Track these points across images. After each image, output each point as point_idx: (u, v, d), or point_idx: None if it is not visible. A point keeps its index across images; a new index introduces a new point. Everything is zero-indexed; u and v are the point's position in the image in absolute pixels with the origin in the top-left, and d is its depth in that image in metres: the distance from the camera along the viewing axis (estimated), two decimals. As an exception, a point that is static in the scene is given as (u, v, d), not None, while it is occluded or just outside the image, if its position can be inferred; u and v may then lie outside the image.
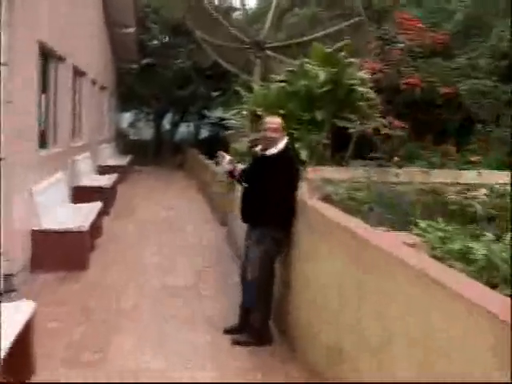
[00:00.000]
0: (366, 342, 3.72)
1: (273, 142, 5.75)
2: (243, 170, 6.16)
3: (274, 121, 5.89)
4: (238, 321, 6.07)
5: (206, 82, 26.63)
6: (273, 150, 5.73)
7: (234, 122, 11.01)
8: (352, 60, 9.64)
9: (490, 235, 4.77)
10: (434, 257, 3.73)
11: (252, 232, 5.88)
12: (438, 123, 16.55)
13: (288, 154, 5.90)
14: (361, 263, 3.87)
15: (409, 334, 3.14)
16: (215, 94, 27.77)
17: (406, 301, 3.21)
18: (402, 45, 16.13)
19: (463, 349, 2.58)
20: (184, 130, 31.76)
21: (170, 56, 26.25)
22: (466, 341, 2.56)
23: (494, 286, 3.71)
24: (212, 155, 20.95)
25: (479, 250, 4.10)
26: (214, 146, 25.56)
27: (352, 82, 9.54)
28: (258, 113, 9.29)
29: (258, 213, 5.74)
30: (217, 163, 6.44)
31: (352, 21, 14.63)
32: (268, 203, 5.63)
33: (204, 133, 31.27)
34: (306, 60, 9.73)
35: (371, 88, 10.03)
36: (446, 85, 15.68)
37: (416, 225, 8.38)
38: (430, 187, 10.42)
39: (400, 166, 14.24)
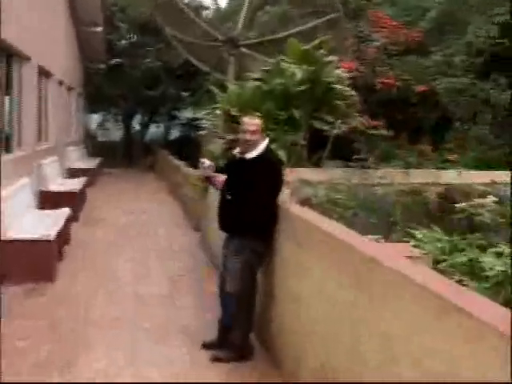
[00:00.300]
0: (363, 363, 3.37)
1: (252, 144, 5.33)
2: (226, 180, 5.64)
3: (253, 122, 5.43)
4: (217, 335, 5.69)
5: (175, 82, 26.21)
6: (253, 153, 5.32)
7: (206, 122, 10.60)
8: (330, 57, 9.31)
9: (505, 248, 4.25)
10: (439, 271, 3.39)
11: (230, 241, 5.47)
12: (413, 122, 16.37)
13: (269, 157, 5.47)
14: (354, 277, 3.51)
15: (412, 354, 2.80)
16: (185, 94, 27.34)
17: (409, 320, 2.86)
18: (378, 43, 15.92)
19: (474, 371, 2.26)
20: (154, 130, 31.30)
21: (138, 56, 25.79)
22: (477, 362, 2.24)
23: None
24: (182, 156, 20.77)
25: (493, 264, 3.71)
26: (184, 146, 25.40)
27: (330, 80, 9.21)
28: (233, 113, 8.91)
29: (236, 221, 5.31)
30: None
31: (329, 17, 14.30)
32: (248, 211, 5.21)
33: (174, 134, 30.81)
34: (282, 58, 9.37)
35: (348, 86, 9.72)
36: (421, 83, 15.49)
37: (408, 233, 8.05)
38: (411, 188, 10.16)
39: (375, 166, 14.00)
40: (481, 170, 12.30)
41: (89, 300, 7.01)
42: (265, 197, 5.22)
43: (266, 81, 9.31)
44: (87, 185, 14.81)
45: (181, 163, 16.41)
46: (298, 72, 9.14)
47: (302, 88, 9.10)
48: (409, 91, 15.57)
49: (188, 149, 23.69)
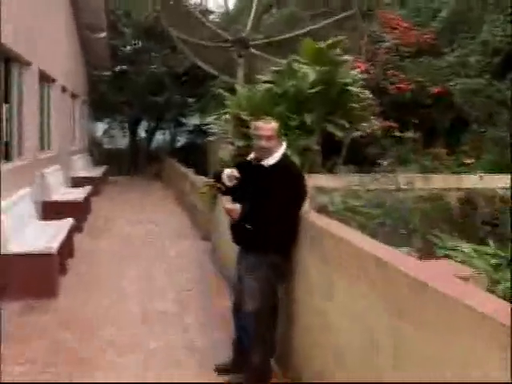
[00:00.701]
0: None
1: (268, 151, 4.83)
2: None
3: (268, 126, 4.88)
4: (231, 357, 5.21)
5: (181, 88, 25.82)
6: (270, 160, 4.82)
7: (215, 127, 10.13)
8: (345, 57, 8.83)
9: None
10: (499, 296, 2.90)
11: (245, 256, 4.96)
12: (427, 124, 15.86)
13: (289, 164, 4.98)
14: (395, 302, 3.03)
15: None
16: (191, 100, 26.96)
17: (467, 354, 2.39)
18: (388, 43, 15.45)
19: None
20: (160, 137, 30.93)
21: (143, 62, 25.42)
22: None
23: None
24: (189, 163, 20.31)
25: None
26: (191, 154, 24.97)
27: (345, 81, 8.74)
28: (243, 117, 8.44)
29: (252, 235, 4.78)
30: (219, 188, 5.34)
31: (344, 14, 13.75)
32: (265, 223, 4.71)
33: (181, 140, 30.41)
34: (295, 58, 8.90)
35: (363, 88, 9.25)
36: (435, 84, 14.99)
37: (431, 241, 7.59)
38: (431, 193, 9.68)
39: (391, 171, 13.50)
40: (499, 173, 11.81)
41: (93, 318, 6.55)
42: (284, 208, 4.70)
43: (277, 83, 8.84)
44: (92, 194, 14.37)
45: (188, 170, 15.96)
46: (311, 73, 8.67)
47: (315, 90, 8.61)
48: (423, 93, 15.07)
49: (195, 156, 23.28)
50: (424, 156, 15.26)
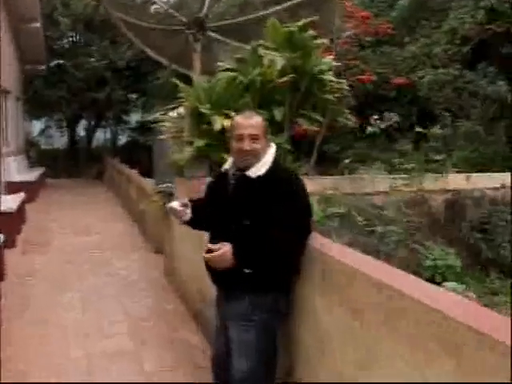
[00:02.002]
0: None
1: (252, 157, 3.56)
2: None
3: (251, 122, 3.59)
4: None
5: (122, 83, 24.39)
6: (258, 169, 3.55)
7: (165, 124, 8.78)
8: (320, 41, 7.62)
9: None
10: None
11: (232, 299, 3.61)
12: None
13: (285, 172, 3.71)
14: (448, 357, 2.01)
15: None
16: (134, 96, 25.58)
17: None
18: (348, 32, 14.35)
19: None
20: (101, 136, 29.51)
21: (81, 55, 23.83)
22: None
23: None
24: (133, 163, 18.95)
25: None
26: (134, 153, 23.61)
27: (319, 69, 7.55)
28: (203, 111, 7.17)
29: (250, 276, 3.45)
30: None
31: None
32: (270, 260, 3.42)
33: (123, 139, 29.03)
34: (260, 43, 7.65)
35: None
36: (399, 75, 14.01)
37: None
38: (416, 197, 8.64)
39: (352, 170, 12.51)
40: (474, 170, 10.89)
41: (23, 367, 5.19)
42: (290, 234, 3.39)
43: (240, 71, 7.58)
44: (27, 201, 12.88)
45: (133, 172, 14.61)
46: (279, 60, 7.43)
47: (284, 79, 7.39)
48: (386, 85, 14.07)
49: (139, 155, 22.01)
50: (388, 152, 14.32)
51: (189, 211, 3.92)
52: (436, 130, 13.67)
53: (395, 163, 13.18)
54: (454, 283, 5.04)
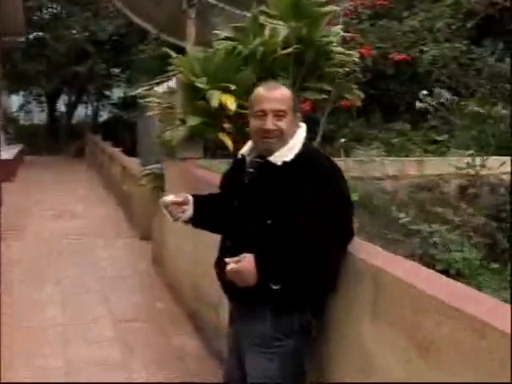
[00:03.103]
0: None
1: (278, 139, 2.79)
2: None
3: (276, 95, 2.82)
4: None
5: (105, 57, 23.49)
6: (285, 154, 2.78)
7: (153, 100, 7.94)
8: (329, 8, 6.83)
9: None
10: None
11: (249, 321, 2.83)
12: (387, 96, 14.18)
13: (315, 158, 2.87)
14: None
15: None
16: (116, 70, 24.67)
17: None
18: (347, 4, 13.56)
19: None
20: (82, 112, 28.64)
21: (62, 27, 22.84)
22: None
23: None
24: (117, 140, 18.13)
25: None
26: (117, 129, 22.74)
27: (327, 39, 6.80)
28: (199, 85, 6.39)
29: (280, 292, 2.66)
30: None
31: None
32: (295, 266, 2.62)
33: (105, 115, 28.18)
34: (262, 10, 6.87)
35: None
36: (398, 51, 13.22)
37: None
38: (428, 182, 7.95)
39: (347, 150, 11.80)
40: (481, 152, 10.21)
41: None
42: (328, 235, 2.62)
43: (240, 41, 6.80)
44: (3, 180, 12.05)
45: (116, 151, 13.82)
46: (283, 29, 6.69)
47: (288, 51, 6.64)
48: (385, 61, 13.29)
49: (122, 132, 21.28)
50: (385, 132, 13.62)
51: (188, 207, 3.10)
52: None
53: (395, 143, 12.52)
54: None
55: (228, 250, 2.85)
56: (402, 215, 6.24)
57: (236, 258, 2.61)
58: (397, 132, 13.42)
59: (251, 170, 2.90)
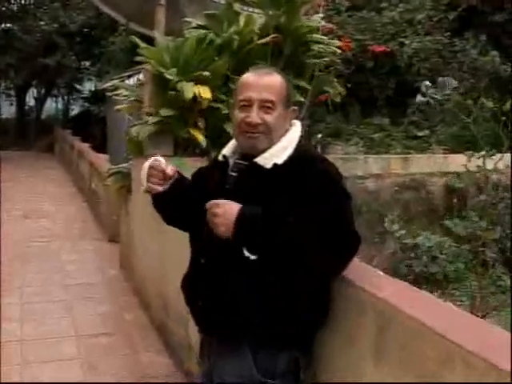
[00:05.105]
0: None
1: (264, 133, 2.32)
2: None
3: (265, 81, 2.35)
4: None
5: (75, 49, 22.97)
6: (273, 155, 2.31)
7: (123, 92, 7.43)
8: (309, -6, 6.40)
9: None
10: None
11: (226, 356, 2.34)
12: (366, 91, 13.82)
13: (314, 161, 2.36)
14: None
15: None
16: (87, 63, 24.13)
17: None
18: (322, -6, 13.15)
19: None
20: (52, 106, 28.04)
21: (31, 19, 22.27)
22: None
23: None
24: (86, 135, 17.60)
25: None
26: (87, 124, 22.23)
27: (306, 29, 6.37)
28: (168, 76, 5.92)
29: (254, 309, 2.21)
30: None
31: None
32: (293, 293, 2.21)
33: (75, 109, 27.62)
34: (238, -5, 6.41)
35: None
36: (378, 44, 12.86)
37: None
38: (412, 181, 7.57)
39: (324, 146, 11.47)
40: (463, 149, 9.89)
41: None
42: (326, 252, 2.14)
43: (213, 30, 6.34)
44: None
45: (84, 146, 13.30)
46: (259, 17, 6.26)
47: (265, 40, 6.20)
48: (363, 54, 12.92)
49: (92, 127, 20.89)
50: (364, 127, 13.29)
51: (167, 183, 2.54)
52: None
53: (375, 139, 12.15)
54: None
55: (202, 268, 2.39)
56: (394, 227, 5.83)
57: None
58: (376, 127, 13.10)
59: (234, 173, 2.41)
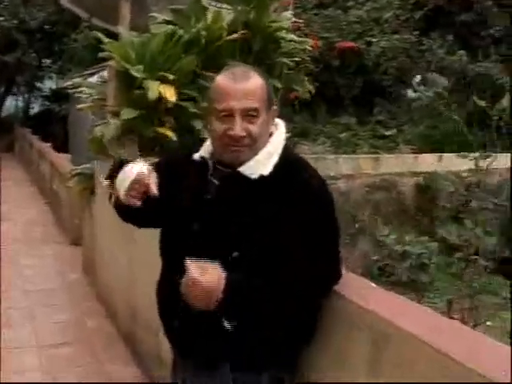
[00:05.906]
0: None
1: (249, 145, 2.10)
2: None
3: (247, 87, 2.08)
4: None
5: (35, 46, 22.48)
6: (260, 165, 2.10)
7: (86, 90, 7.17)
8: (280, -11, 6.23)
9: None
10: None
11: (202, 375, 2.14)
12: (332, 90, 13.73)
13: (301, 170, 2.16)
14: None
15: None
16: (48, 60, 23.65)
17: None
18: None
19: None
20: (12, 104, 27.42)
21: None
22: None
23: None
24: (47, 135, 17.21)
25: None
26: (48, 123, 21.80)
27: (277, 25, 6.20)
28: (133, 73, 5.68)
29: (221, 323, 2.02)
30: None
31: None
32: (268, 300, 2.01)
33: (37, 108, 27.06)
34: (205, -10, 6.21)
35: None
36: (345, 41, 12.77)
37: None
38: (383, 181, 7.45)
39: (292, 146, 11.20)
40: (430, 149, 9.84)
41: None
42: (315, 276, 2.01)
43: (180, 25, 6.12)
44: None
45: (45, 146, 12.95)
46: (227, 13, 6.06)
47: (233, 37, 6.01)
48: (330, 53, 12.82)
49: (53, 126, 20.51)
50: (331, 126, 13.19)
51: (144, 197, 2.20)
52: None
53: (342, 138, 12.04)
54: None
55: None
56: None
57: (200, 264, 1.94)
58: (343, 126, 13.02)
59: (216, 182, 2.18)
